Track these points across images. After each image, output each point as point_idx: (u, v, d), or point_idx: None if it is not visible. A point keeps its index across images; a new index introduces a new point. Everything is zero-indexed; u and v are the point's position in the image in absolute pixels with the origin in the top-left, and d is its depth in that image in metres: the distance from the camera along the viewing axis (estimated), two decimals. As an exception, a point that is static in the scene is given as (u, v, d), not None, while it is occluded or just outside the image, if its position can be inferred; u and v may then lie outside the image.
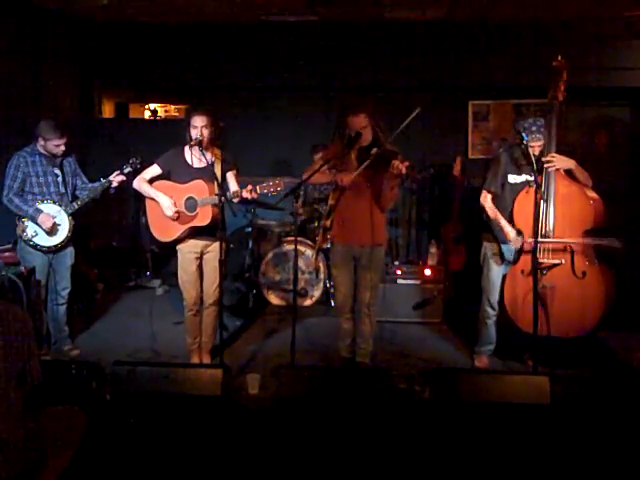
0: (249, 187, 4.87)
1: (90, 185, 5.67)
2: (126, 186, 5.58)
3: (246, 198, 4.94)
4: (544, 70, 4.99)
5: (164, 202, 5.05)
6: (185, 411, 4.11)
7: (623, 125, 8.27)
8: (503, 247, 5.23)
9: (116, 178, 5.54)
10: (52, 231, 5.42)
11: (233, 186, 5.15)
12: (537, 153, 4.90)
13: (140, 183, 5.21)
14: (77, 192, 5.70)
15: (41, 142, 5.43)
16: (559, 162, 4.90)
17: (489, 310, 5.37)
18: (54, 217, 5.43)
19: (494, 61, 7.82)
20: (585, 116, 8.22)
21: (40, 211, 5.40)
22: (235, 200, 4.98)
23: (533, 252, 4.71)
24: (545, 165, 4.86)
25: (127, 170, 5.49)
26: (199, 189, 4.98)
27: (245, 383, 4.76)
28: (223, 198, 4.78)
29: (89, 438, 3.33)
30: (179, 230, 5.05)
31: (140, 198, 5.31)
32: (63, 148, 5.48)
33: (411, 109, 4.56)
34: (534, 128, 4.91)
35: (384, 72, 8.05)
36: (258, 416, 4.34)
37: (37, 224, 5.38)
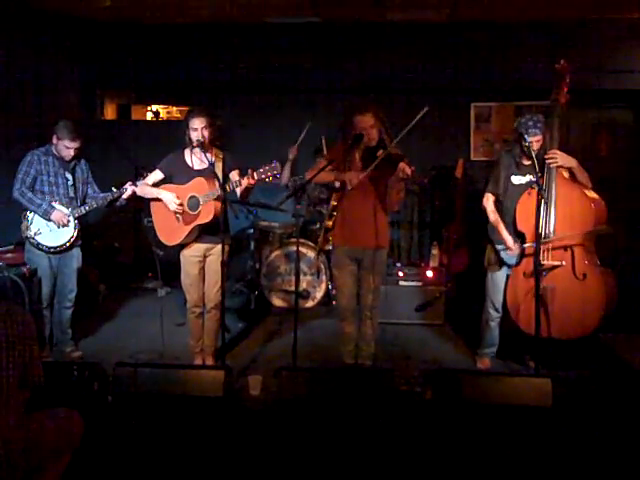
0: (249, 171, 4.83)
1: (101, 195, 5.66)
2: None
3: (247, 187, 4.91)
4: (546, 72, 4.99)
5: (167, 197, 5.04)
6: (187, 412, 4.11)
7: (625, 127, 8.27)
8: (503, 252, 5.23)
9: (130, 187, 5.51)
10: (60, 231, 5.44)
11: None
12: (537, 148, 4.90)
13: (144, 188, 5.21)
14: (86, 199, 5.68)
15: (54, 141, 5.43)
16: (561, 159, 4.92)
17: (492, 312, 5.37)
18: (68, 216, 5.46)
19: (496, 63, 7.82)
20: (587, 118, 8.23)
21: (53, 207, 5.41)
22: (238, 190, 4.96)
23: (535, 254, 4.71)
24: (547, 161, 4.87)
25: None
26: (200, 186, 4.97)
27: (247, 384, 4.76)
28: (226, 192, 4.77)
29: (91, 439, 3.33)
30: (185, 231, 5.03)
31: (144, 201, 5.30)
32: (72, 153, 5.47)
33: (413, 111, 4.55)
34: (530, 123, 4.92)
35: (386, 74, 8.05)
36: (260, 417, 4.34)
37: (49, 220, 5.40)
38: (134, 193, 5.50)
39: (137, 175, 5.54)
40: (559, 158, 4.91)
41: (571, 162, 4.97)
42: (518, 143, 5.06)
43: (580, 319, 4.96)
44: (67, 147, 5.42)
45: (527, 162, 5.11)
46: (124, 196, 5.54)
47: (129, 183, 5.52)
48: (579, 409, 4.28)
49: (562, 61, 4.95)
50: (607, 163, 8.01)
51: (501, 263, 5.27)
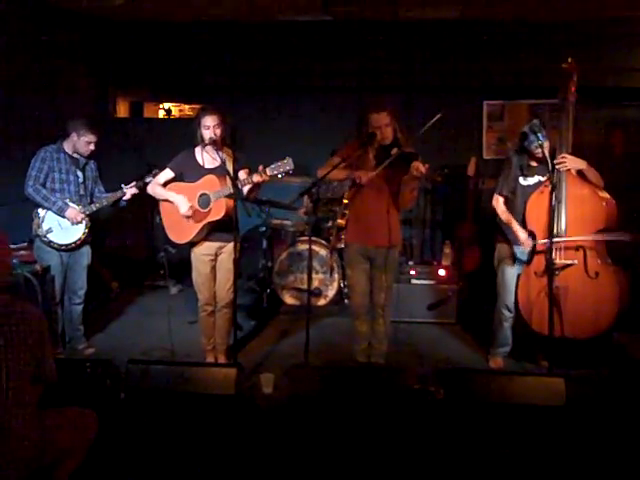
0: (260, 168, 4.83)
1: (104, 195, 5.71)
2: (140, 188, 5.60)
3: (255, 184, 4.92)
4: (559, 70, 4.97)
5: (178, 200, 5.03)
6: (199, 410, 4.12)
7: (639, 125, 8.21)
8: (516, 248, 5.23)
9: (129, 190, 5.57)
10: (71, 228, 5.46)
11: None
12: (548, 153, 4.88)
13: (154, 188, 5.21)
14: (94, 198, 5.72)
15: (74, 138, 5.48)
16: (570, 162, 4.89)
17: (505, 312, 5.36)
18: (83, 213, 5.48)
19: (509, 61, 7.79)
20: (600, 116, 8.17)
21: (67, 205, 5.44)
22: (246, 188, 4.97)
23: (548, 252, 4.70)
24: (557, 166, 4.84)
25: (149, 180, 5.46)
26: (211, 184, 4.97)
27: (259, 382, 4.76)
28: (236, 190, 4.76)
29: (103, 436, 3.34)
30: (195, 229, 5.03)
31: (155, 200, 5.31)
32: (92, 147, 5.53)
33: (426, 109, 4.55)
34: (544, 131, 4.89)
35: (399, 72, 8.04)
36: (271, 415, 4.35)
37: (63, 217, 5.43)
38: (135, 194, 5.58)
39: (149, 172, 5.54)
40: (568, 162, 4.88)
41: (580, 164, 4.93)
42: (525, 146, 5.05)
43: (593, 318, 4.94)
44: (89, 142, 5.48)
45: (535, 163, 5.11)
46: (125, 197, 5.58)
47: (132, 184, 5.56)
48: (592, 409, 4.26)
49: (569, 60, 4.92)
50: (621, 162, 7.97)
51: (513, 260, 5.26)
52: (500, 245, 5.38)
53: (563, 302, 4.92)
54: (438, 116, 4.52)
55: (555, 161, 4.84)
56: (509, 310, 5.34)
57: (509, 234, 5.25)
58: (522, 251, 5.18)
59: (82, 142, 5.47)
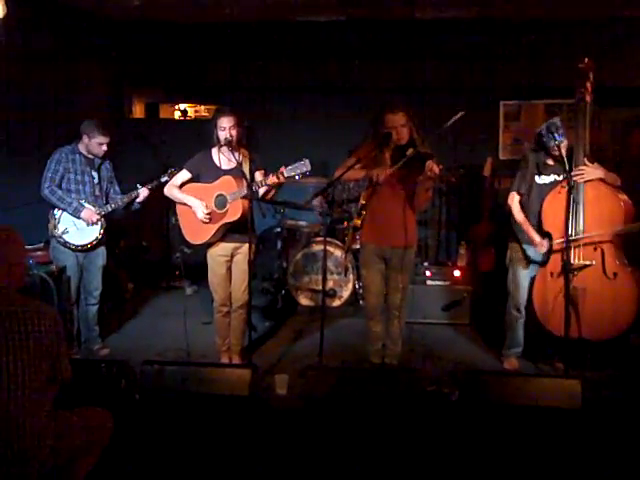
0: (280, 170, 4.82)
1: (119, 196, 5.73)
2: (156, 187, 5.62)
3: (273, 186, 4.93)
4: (575, 70, 4.94)
5: (195, 204, 5.04)
6: (213, 410, 4.12)
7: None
8: (529, 249, 5.20)
9: (142, 192, 5.60)
10: (87, 229, 5.48)
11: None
12: (565, 152, 4.85)
13: (171, 190, 5.22)
14: (109, 199, 5.74)
15: (85, 140, 5.50)
16: (589, 174, 4.86)
17: (515, 313, 5.34)
18: (98, 213, 5.51)
19: (526, 61, 7.75)
20: (619, 116, 8.12)
21: (83, 206, 5.46)
22: (262, 190, 4.97)
23: (565, 253, 4.67)
24: (574, 178, 4.79)
25: (164, 179, 5.49)
26: (228, 185, 4.97)
27: (273, 383, 4.76)
28: (251, 191, 4.77)
29: (117, 436, 3.35)
30: (212, 230, 5.03)
31: (171, 201, 5.32)
32: (105, 148, 5.54)
33: (443, 110, 4.53)
34: (562, 130, 4.86)
35: (415, 72, 8.03)
36: (285, 416, 4.33)
37: (78, 218, 5.45)
38: (150, 194, 5.63)
39: (165, 172, 5.55)
40: (586, 174, 4.86)
41: (598, 174, 4.89)
42: (543, 144, 5.02)
43: (612, 319, 4.90)
44: (100, 143, 5.50)
45: (551, 162, 5.08)
46: (138, 199, 5.61)
47: (147, 186, 5.59)
48: (609, 411, 4.23)
49: (586, 60, 4.90)
50: (638, 162, 7.91)
51: (527, 261, 5.23)
52: (513, 244, 5.36)
53: (581, 303, 4.88)
54: (460, 114, 4.49)
55: (573, 173, 4.80)
56: (519, 311, 5.32)
57: (522, 235, 5.22)
58: (536, 252, 5.16)
59: (94, 144, 5.49)
